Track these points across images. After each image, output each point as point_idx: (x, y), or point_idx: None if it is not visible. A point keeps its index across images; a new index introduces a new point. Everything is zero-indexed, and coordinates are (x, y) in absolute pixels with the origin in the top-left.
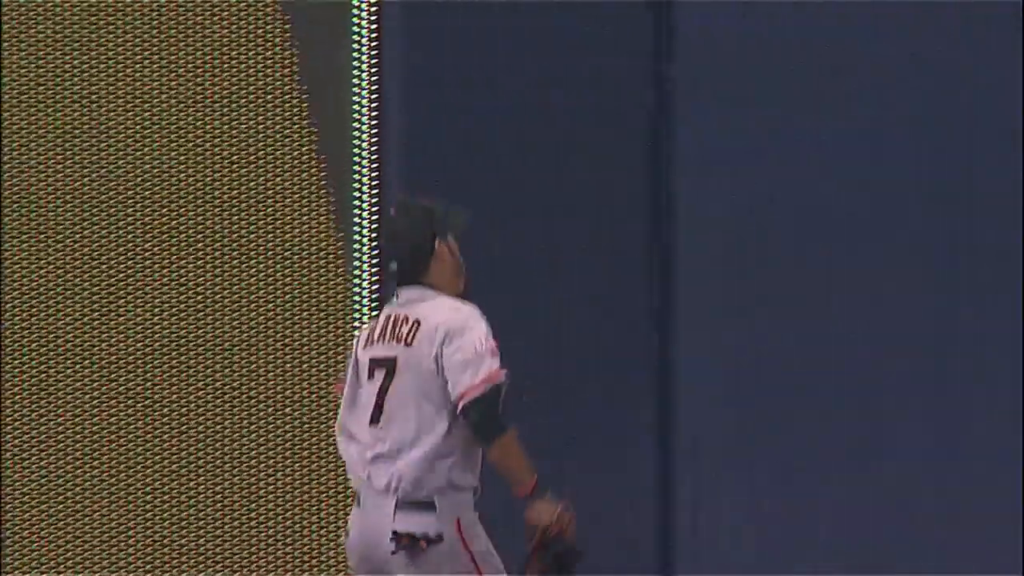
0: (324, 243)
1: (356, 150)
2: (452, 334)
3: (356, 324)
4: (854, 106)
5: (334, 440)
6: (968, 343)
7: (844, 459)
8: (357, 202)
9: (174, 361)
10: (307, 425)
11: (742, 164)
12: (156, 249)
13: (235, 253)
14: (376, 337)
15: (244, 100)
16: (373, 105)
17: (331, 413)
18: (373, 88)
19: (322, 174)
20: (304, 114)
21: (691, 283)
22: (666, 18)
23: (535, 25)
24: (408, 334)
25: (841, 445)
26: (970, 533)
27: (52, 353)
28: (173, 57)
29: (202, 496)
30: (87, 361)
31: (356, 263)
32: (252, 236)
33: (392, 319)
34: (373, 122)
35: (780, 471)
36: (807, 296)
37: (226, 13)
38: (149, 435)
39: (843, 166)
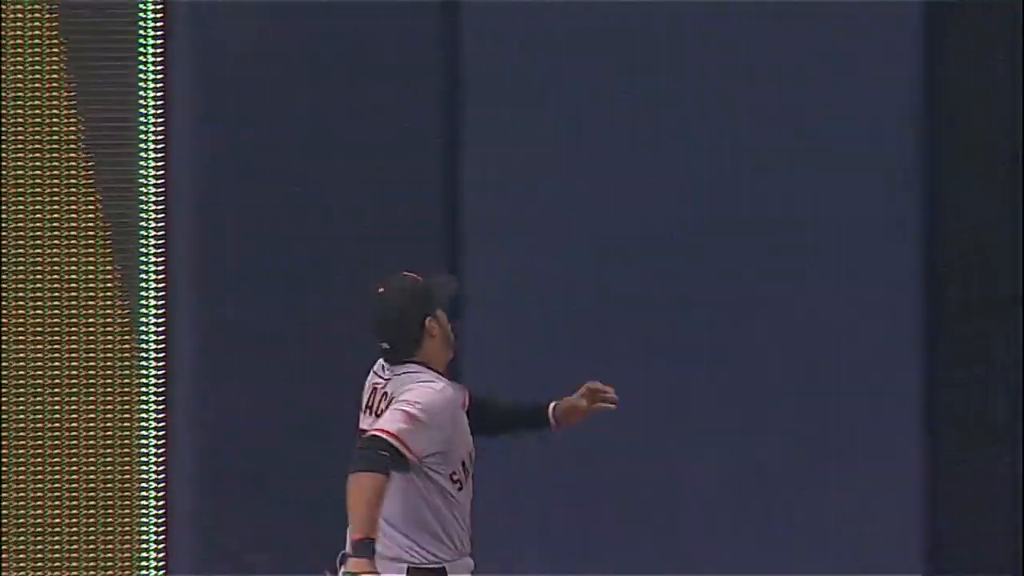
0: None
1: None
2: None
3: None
4: (643, 107)
5: None
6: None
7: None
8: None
9: None
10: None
11: (531, 167)
12: None
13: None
14: (364, 406)
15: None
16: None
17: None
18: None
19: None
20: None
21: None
22: (455, 18)
23: (326, 29)
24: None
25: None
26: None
27: None
28: None
29: None
30: None
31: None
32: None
33: (379, 392)
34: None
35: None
36: (594, 293)
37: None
38: None
39: (634, 167)
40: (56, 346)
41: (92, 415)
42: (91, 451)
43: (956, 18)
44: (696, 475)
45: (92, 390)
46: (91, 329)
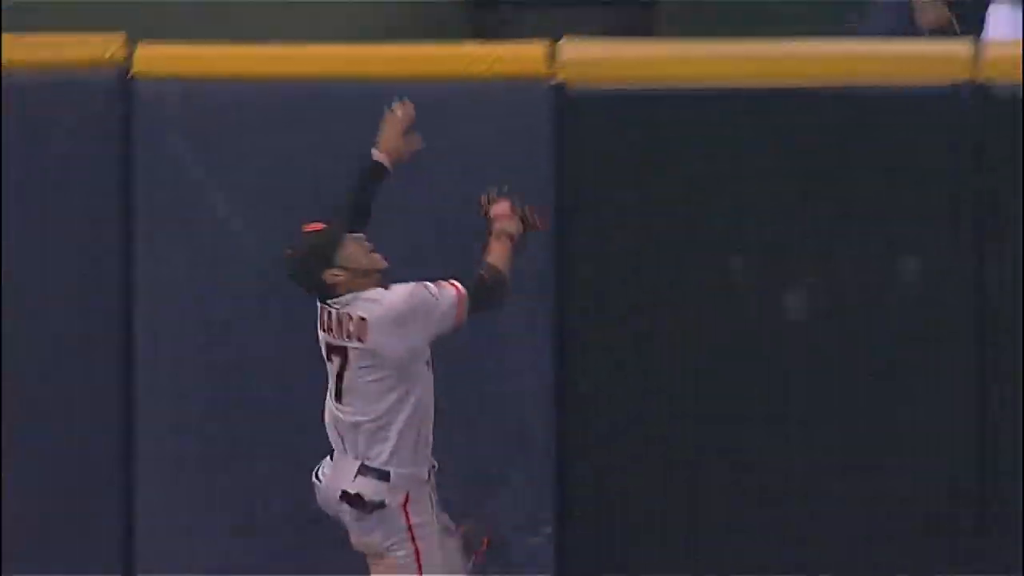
0: None
1: None
2: (402, 317)
3: None
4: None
5: None
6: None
7: None
8: None
9: None
10: None
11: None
12: None
13: None
14: (327, 327)
15: None
16: None
17: None
18: None
19: None
20: None
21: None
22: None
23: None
24: (356, 331)
25: None
26: None
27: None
28: None
29: None
30: None
31: None
32: None
33: (336, 316)
34: None
35: None
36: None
37: None
38: None
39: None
40: None
41: None
42: None
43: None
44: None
45: None
46: None
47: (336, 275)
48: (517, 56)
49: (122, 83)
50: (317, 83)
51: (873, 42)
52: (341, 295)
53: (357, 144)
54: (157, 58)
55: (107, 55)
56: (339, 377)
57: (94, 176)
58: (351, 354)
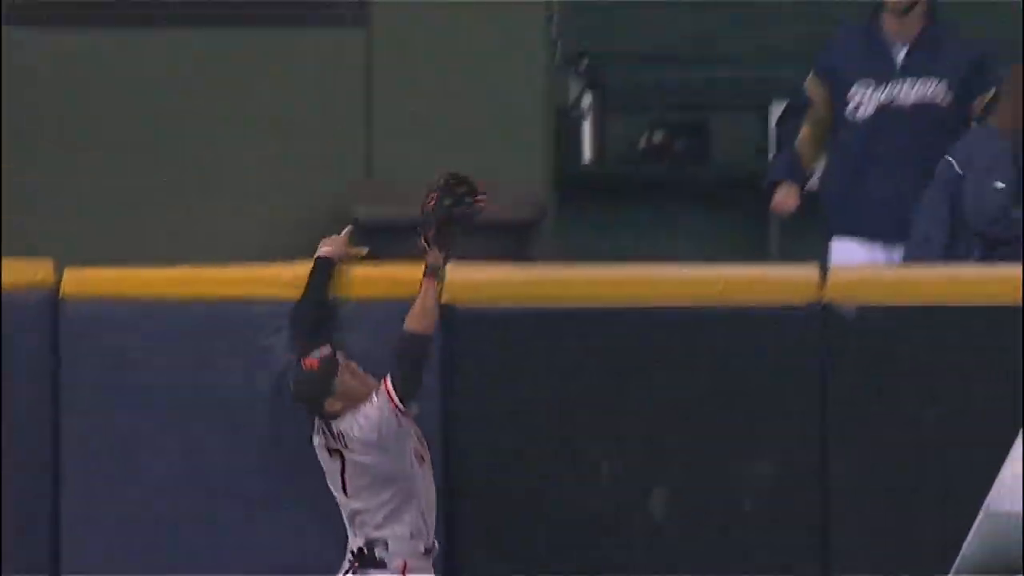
0: None
1: None
2: (374, 441)
3: None
4: None
5: None
6: None
7: None
8: None
9: None
10: None
11: None
12: None
13: None
14: (324, 434)
15: None
16: None
17: None
18: None
19: None
20: None
21: None
22: None
23: None
24: (348, 444)
25: None
26: None
27: None
28: None
29: None
30: None
31: None
32: None
33: (332, 430)
34: None
35: None
36: None
37: None
38: None
39: None
40: None
41: None
42: None
43: None
44: None
45: None
46: None
47: (334, 404)
48: (404, 280)
49: (51, 303)
50: (229, 303)
51: (731, 267)
52: (339, 417)
53: (266, 361)
54: (84, 281)
55: (38, 278)
56: (342, 473)
57: (26, 390)
58: (347, 458)
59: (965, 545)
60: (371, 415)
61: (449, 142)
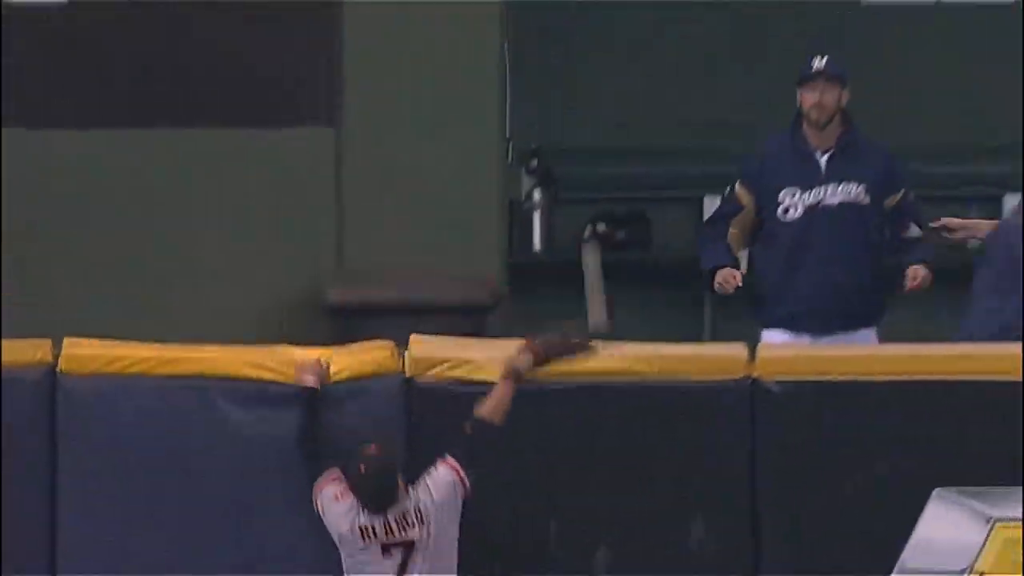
0: None
1: None
2: (451, 490)
3: None
4: None
5: None
6: None
7: None
8: None
9: None
10: None
11: None
12: None
13: None
14: (378, 533)
15: None
16: None
17: None
18: None
19: None
20: None
21: None
22: None
23: None
24: (421, 518)
25: None
26: None
27: None
28: None
29: None
30: None
31: None
32: None
33: (394, 520)
34: None
35: None
36: None
37: None
38: None
39: None
40: None
41: None
42: None
43: None
44: None
45: None
46: None
47: (403, 483)
48: (372, 358)
49: (49, 379)
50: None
51: (669, 346)
52: (400, 500)
53: (248, 437)
54: (80, 358)
55: (37, 357)
56: (403, 563)
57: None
58: (419, 537)
59: None
60: (439, 480)
61: (412, 232)
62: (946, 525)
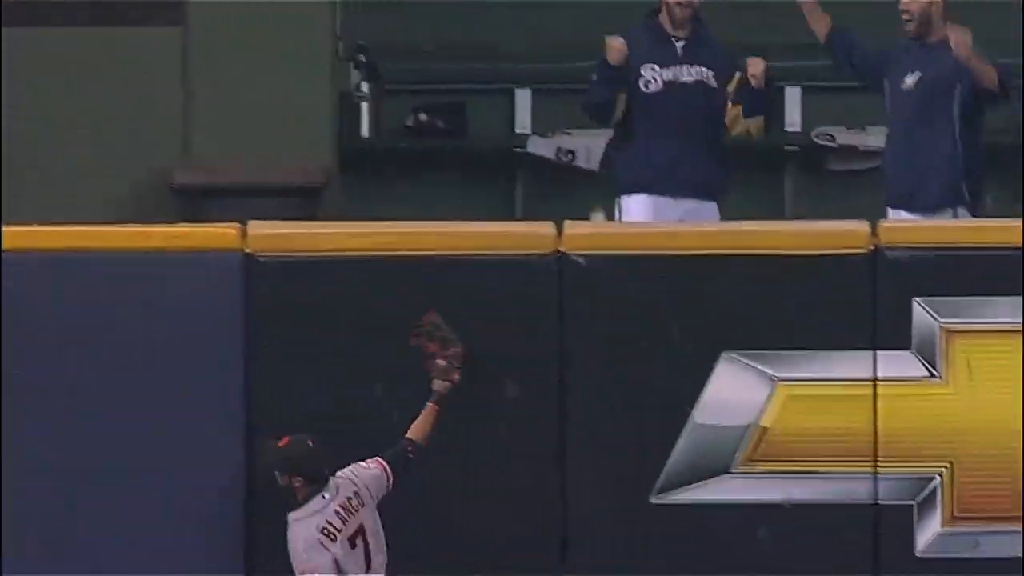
0: None
1: None
2: (366, 477)
3: None
4: None
5: None
6: None
7: None
8: None
9: None
10: None
11: None
12: None
13: None
14: (330, 532)
15: None
16: None
17: None
18: None
19: None
20: None
21: None
22: None
23: None
24: (360, 504)
25: None
26: None
27: None
28: None
29: None
30: None
31: None
32: None
33: (340, 507)
34: None
35: None
36: None
37: None
38: None
39: None
40: None
41: None
42: None
43: None
44: None
45: None
46: None
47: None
48: (215, 233)
49: None
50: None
51: (482, 224)
52: (339, 484)
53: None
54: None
55: None
56: (365, 546)
57: None
58: (365, 515)
59: (673, 452)
60: (369, 472)
61: (252, 122)
62: (733, 385)
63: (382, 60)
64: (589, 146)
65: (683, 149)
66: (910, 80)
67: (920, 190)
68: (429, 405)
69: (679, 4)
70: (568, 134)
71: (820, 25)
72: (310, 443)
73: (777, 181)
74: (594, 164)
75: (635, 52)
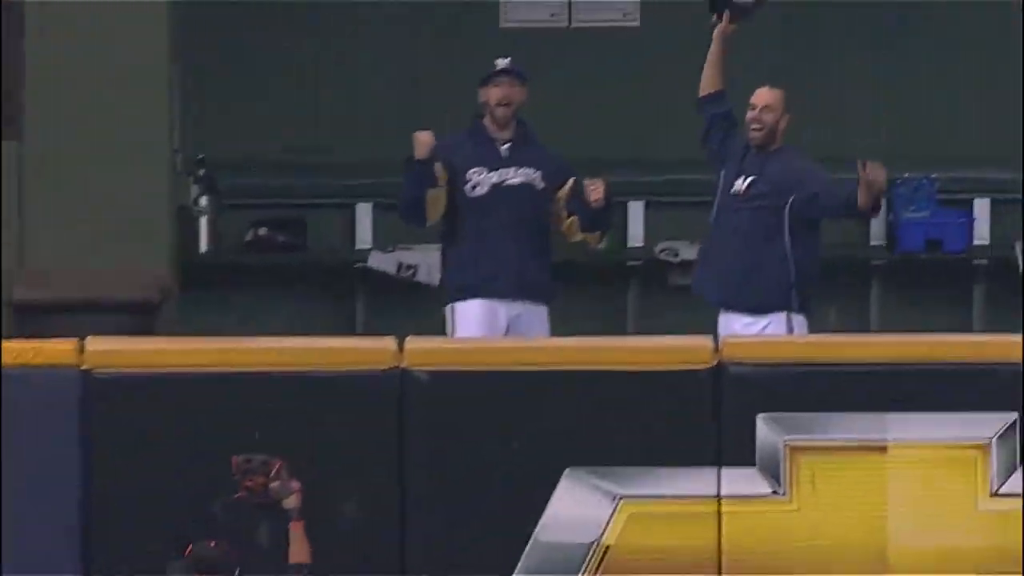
0: None
1: None
2: None
3: None
4: None
5: None
6: None
7: None
8: None
9: None
10: None
11: None
12: None
13: None
14: None
15: None
16: None
17: None
18: None
19: None
20: None
21: None
22: None
23: None
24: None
25: None
26: None
27: None
28: None
29: None
30: None
31: None
32: None
33: None
34: None
35: None
36: None
37: None
38: None
39: None
40: None
41: None
42: None
43: None
44: None
45: None
46: None
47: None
48: (53, 350)
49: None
50: None
51: (322, 339)
52: None
53: None
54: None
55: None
56: None
57: None
58: None
59: (515, 571)
60: None
61: (89, 236)
62: (575, 502)
63: (221, 174)
64: (431, 261)
65: (511, 252)
66: (740, 184)
67: (748, 292)
68: (292, 524)
69: (499, 104)
70: (409, 249)
71: (710, 81)
72: (213, 544)
73: (620, 296)
74: (435, 279)
75: (460, 156)
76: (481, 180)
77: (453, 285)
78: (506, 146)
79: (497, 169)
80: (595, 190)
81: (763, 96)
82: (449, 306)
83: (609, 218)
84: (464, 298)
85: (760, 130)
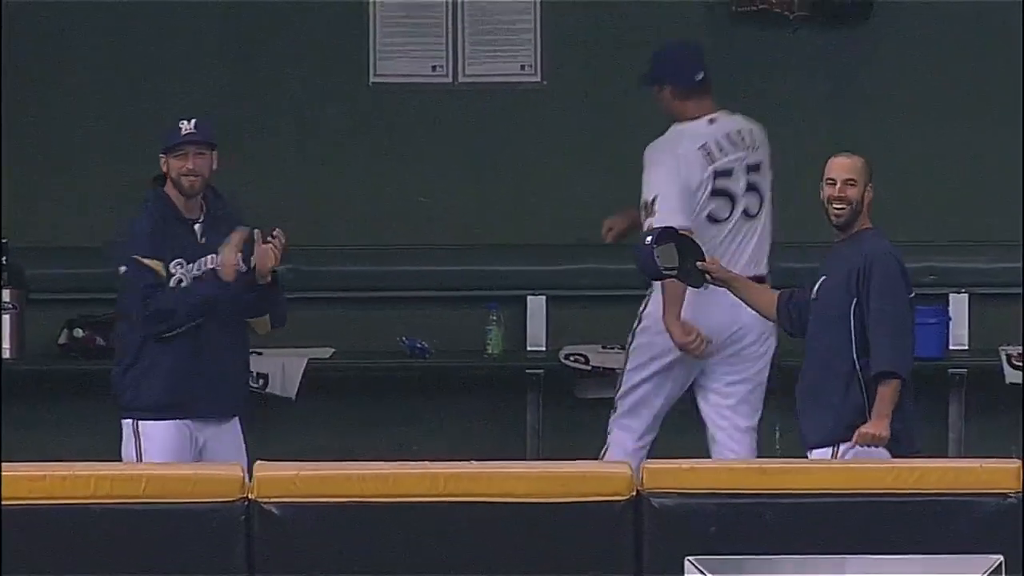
0: None
1: None
2: None
3: None
4: None
5: None
6: None
7: None
8: None
9: None
10: None
11: None
12: None
13: None
14: None
15: None
16: None
17: None
18: None
19: None
20: None
21: None
22: None
23: None
24: None
25: None
26: None
27: None
28: None
29: None
30: None
31: None
32: None
33: None
34: None
35: None
36: None
37: None
38: None
39: None
40: None
41: None
42: None
43: None
44: None
45: None
46: None
47: None
48: None
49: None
50: None
51: (153, 465)
52: None
53: None
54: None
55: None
56: None
57: None
58: None
59: None
60: None
61: None
62: None
63: (28, 263)
64: (286, 367)
65: (224, 364)
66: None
67: None
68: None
69: (185, 175)
70: (259, 353)
71: (764, 301)
72: None
73: (519, 410)
74: (291, 391)
75: (162, 246)
76: (184, 274)
77: (141, 401)
78: (200, 226)
79: (196, 259)
80: (262, 260)
81: (843, 166)
82: (133, 424)
83: (275, 302)
84: (156, 418)
85: (844, 208)
